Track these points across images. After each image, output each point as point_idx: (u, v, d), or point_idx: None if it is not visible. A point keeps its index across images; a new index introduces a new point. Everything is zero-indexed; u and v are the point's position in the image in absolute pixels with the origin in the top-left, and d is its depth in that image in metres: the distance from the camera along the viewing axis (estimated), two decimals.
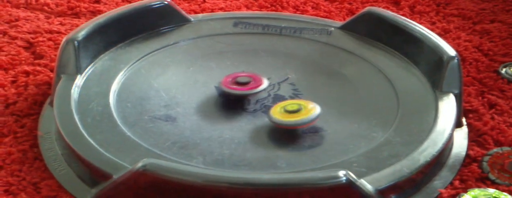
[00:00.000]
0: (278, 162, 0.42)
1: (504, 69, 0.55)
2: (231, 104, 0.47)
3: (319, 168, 0.41)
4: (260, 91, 0.47)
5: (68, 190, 0.42)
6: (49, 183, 0.43)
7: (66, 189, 0.42)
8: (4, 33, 0.58)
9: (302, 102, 0.45)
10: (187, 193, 0.39)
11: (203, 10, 0.63)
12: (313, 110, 0.43)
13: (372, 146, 0.43)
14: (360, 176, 0.39)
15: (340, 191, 0.39)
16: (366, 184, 0.39)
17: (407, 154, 0.42)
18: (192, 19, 0.56)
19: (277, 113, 0.44)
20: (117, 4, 0.64)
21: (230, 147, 0.43)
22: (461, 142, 0.47)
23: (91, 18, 0.58)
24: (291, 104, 0.45)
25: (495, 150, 0.46)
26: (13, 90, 0.51)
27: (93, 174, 0.42)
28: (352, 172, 0.39)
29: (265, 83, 0.47)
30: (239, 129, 0.45)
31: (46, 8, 0.63)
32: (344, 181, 0.38)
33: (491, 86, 0.53)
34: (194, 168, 0.40)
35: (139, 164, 0.38)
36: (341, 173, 0.38)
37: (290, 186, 0.38)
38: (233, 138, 0.44)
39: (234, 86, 0.47)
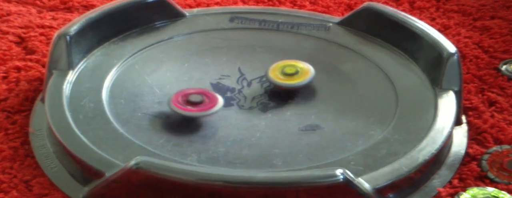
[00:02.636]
0: (274, 160, 0.42)
1: (504, 66, 0.55)
2: (225, 100, 0.47)
3: (316, 167, 0.41)
4: (214, 113, 0.44)
5: (60, 188, 0.42)
6: (41, 181, 0.42)
7: (58, 186, 0.42)
8: None
9: (298, 64, 0.47)
10: (181, 191, 0.38)
11: (198, 5, 0.63)
12: (309, 71, 0.47)
13: (370, 144, 0.43)
14: (357, 174, 0.39)
15: (337, 190, 0.38)
16: (363, 183, 0.39)
17: (406, 152, 0.42)
18: (187, 14, 0.55)
19: (276, 76, 0.46)
20: None
21: (225, 145, 0.43)
22: (460, 140, 0.47)
23: (84, 12, 0.57)
24: (288, 65, 0.47)
25: (494, 148, 0.46)
26: (4, 86, 0.51)
27: (85, 172, 0.41)
28: (350, 171, 0.38)
29: (220, 103, 0.44)
30: (235, 126, 0.44)
31: (38, 2, 0.62)
32: (341, 179, 0.38)
33: (491, 83, 0.53)
34: (188, 166, 0.40)
35: (132, 162, 0.38)
36: (338, 172, 0.38)
37: (286, 184, 0.38)
38: (228, 136, 0.44)
39: (187, 107, 0.43)
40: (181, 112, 0.43)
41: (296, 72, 0.46)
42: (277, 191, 0.38)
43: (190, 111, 0.43)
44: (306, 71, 0.46)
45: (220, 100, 0.44)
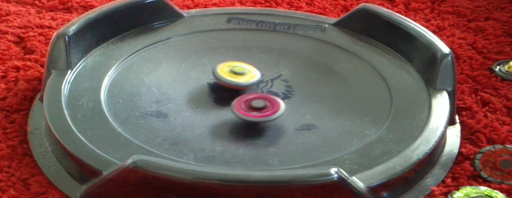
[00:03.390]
0: (270, 159, 0.42)
1: (497, 67, 0.55)
2: (223, 100, 0.47)
3: (311, 165, 0.41)
4: (278, 117, 0.44)
5: (58, 186, 0.42)
6: (39, 179, 0.42)
7: (55, 185, 0.42)
8: None
9: (250, 67, 0.48)
10: (178, 190, 0.39)
11: (196, 6, 0.63)
12: (255, 76, 0.47)
13: (365, 143, 0.43)
14: (352, 173, 0.39)
15: (331, 189, 0.38)
16: (357, 182, 0.39)
17: (400, 151, 0.42)
18: (185, 15, 0.55)
19: (224, 72, 0.47)
20: None
21: (221, 144, 0.43)
22: (454, 139, 0.47)
23: (83, 13, 0.57)
24: (238, 66, 0.47)
25: (487, 148, 0.46)
26: (2, 86, 0.51)
27: (83, 171, 0.41)
28: (344, 170, 0.39)
29: (282, 107, 0.44)
30: (231, 125, 0.45)
31: (37, 2, 0.62)
32: (335, 178, 0.38)
33: (484, 84, 0.53)
34: (185, 164, 0.40)
35: (129, 161, 0.38)
36: (333, 171, 0.38)
37: (282, 183, 0.38)
38: (225, 135, 0.44)
39: (251, 113, 0.44)
40: (246, 118, 0.44)
41: (244, 73, 0.47)
42: (272, 189, 0.38)
43: (255, 117, 0.44)
44: (252, 75, 0.47)
45: (282, 105, 0.44)
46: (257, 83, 0.47)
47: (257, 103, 0.44)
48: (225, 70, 0.46)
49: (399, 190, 0.42)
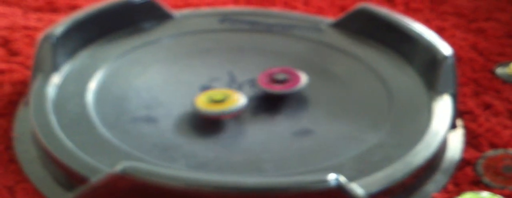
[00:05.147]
0: (265, 165, 0.41)
1: (499, 69, 0.54)
2: None
3: (307, 171, 0.40)
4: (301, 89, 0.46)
5: (44, 193, 0.41)
6: (25, 187, 0.41)
7: (42, 192, 0.41)
8: None
9: (228, 92, 0.45)
10: (169, 197, 0.37)
11: (187, 6, 0.62)
12: (238, 99, 0.44)
13: (364, 149, 0.42)
14: (350, 179, 0.38)
15: (329, 196, 0.37)
16: (357, 188, 0.38)
17: (400, 157, 0.41)
18: (176, 15, 0.54)
19: (203, 102, 0.44)
20: None
21: (214, 149, 0.42)
22: (455, 144, 0.46)
23: (70, 13, 0.57)
24: (216, 93, 0.44)
25: (489, 152, 0.45)
26: None
27: (70, 178, 0.40)
28: (343, 176, 0.38)
29: (303, 79, 0.46)
30: (224, 130, 0.44)
31: (23, 3, 0.61)
32: (333, 185, 0.37)
33: (486, 86, 0.53)
34: (176, 171, 0.39)
35: (118, 167, 0.37)
36: (331, 177, 0.37)
37: (277, 190, 0.37)
38: (217, 140, 0.43)
39: (274, 85, 0.45)
40: (268, 91, 0.44)
41: (223, 100, 0.44)
42: (268, 196, 0.37)
43: (277, 89, 0.44)
44: (234, 99, 0.44)
45: (303, 77, 0.45)
46: (242, 109, 0.44)
47: (280, 76, 0.45)
48: (204, 101, 0.44)
49: (399, 196, 0.41)
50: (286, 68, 0.46)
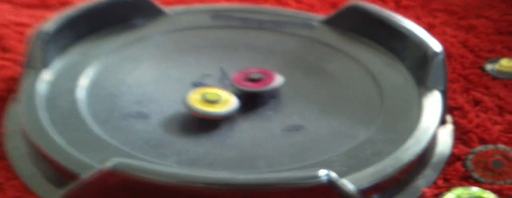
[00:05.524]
0: (256, 161, 0.41)
1: (489, 66, 0.55)
2: None
3: (299, 167, 0.40)
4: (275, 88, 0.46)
5: (35, 190, 0.41)
6: (15, 184, 0.41)
7: (32, 189, 0.41)
8: None
9: (221, 92, 0.45)
10: (160, 193, 0.37)
11: (179, 2, 0.62)
12: (232, 102, 0.44)
13: (354, 144, 0.42)
14: (341, 175, 0.38)
15: (320, 191, 0.37)
16: (348, 184, 0.38)
17: (390, 152, 0.41)
18: (168, 12, 0.54)
19: (196, 100, 0.44)
20: None
21: (205, 146, 0.42)
22: (445, 140, 0.46)
23: (62, 10, 0.56)
24: (210, 93, 0.44)
25: (479, 148, 0.45)
26: None
27: (60, 174, 0.40)
28: (334, 171, 0.38)
29: (278, 79, 0.46)
30: (215, 126, 0.43)
31: None
32: (325, 180, 0.37)
33: (476, 83, 0.53)
34: (167, 167, 0.39)
35: (109, 164, 0.37)
36: (322, 173, 0.37)
37: (268, 186, 0.37)
38: (209, 136, 0.43)
39: (247, 83, 0.45)
40: (243, 89, 0.45)
41: (217, 101, 0.44)
42: (259, 192, 0.37)
43: (252, 87, 0.45)
44: (228, 101, 0.44)
45: (278, 77, 0.45)
46: (236, 111, 0.44)
47: (255, 76, 0.45)
48: (197, 99, 0.43)
49: (390, 192, 0.41)
50: (263, 69, 0.47)
